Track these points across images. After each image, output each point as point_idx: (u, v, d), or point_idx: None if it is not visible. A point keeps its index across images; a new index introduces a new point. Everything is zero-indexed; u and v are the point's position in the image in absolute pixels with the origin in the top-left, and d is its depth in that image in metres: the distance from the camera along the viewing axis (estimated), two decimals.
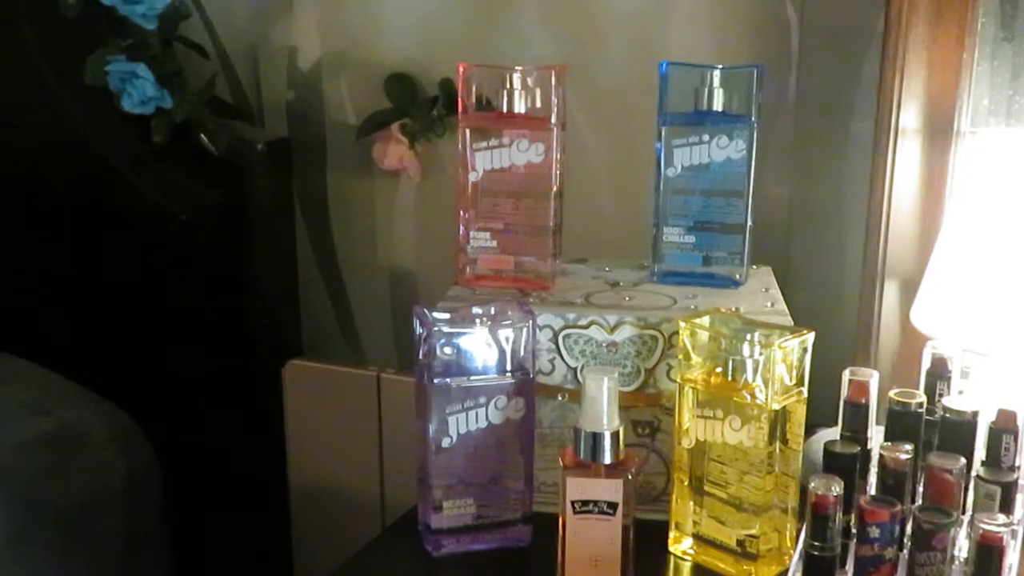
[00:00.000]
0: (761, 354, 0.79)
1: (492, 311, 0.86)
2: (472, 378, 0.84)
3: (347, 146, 1.37)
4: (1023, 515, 0.75)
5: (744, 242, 0.96)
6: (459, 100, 0.94)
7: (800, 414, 0.81)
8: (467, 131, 0.94)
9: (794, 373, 0.80)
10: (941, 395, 0.82)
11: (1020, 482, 0.76)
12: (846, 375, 0.80)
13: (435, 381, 0.83)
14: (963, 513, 0.75)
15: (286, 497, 1.44)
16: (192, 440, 1.40)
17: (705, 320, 0.84)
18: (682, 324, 0.83)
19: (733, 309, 0.88)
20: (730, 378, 0.81)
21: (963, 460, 0.71)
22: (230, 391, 1.38)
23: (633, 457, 0.80)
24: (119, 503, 1.26)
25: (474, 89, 0.94)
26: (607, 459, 0.78)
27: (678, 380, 0.84)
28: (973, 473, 0.75)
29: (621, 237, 1.12)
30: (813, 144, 1.16)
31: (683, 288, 0.96)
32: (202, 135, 1.33)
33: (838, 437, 0.80)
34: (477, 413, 0.84)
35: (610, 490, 0.78)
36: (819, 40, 1.13)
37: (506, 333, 0.84)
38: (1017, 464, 0.76)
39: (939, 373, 0.83)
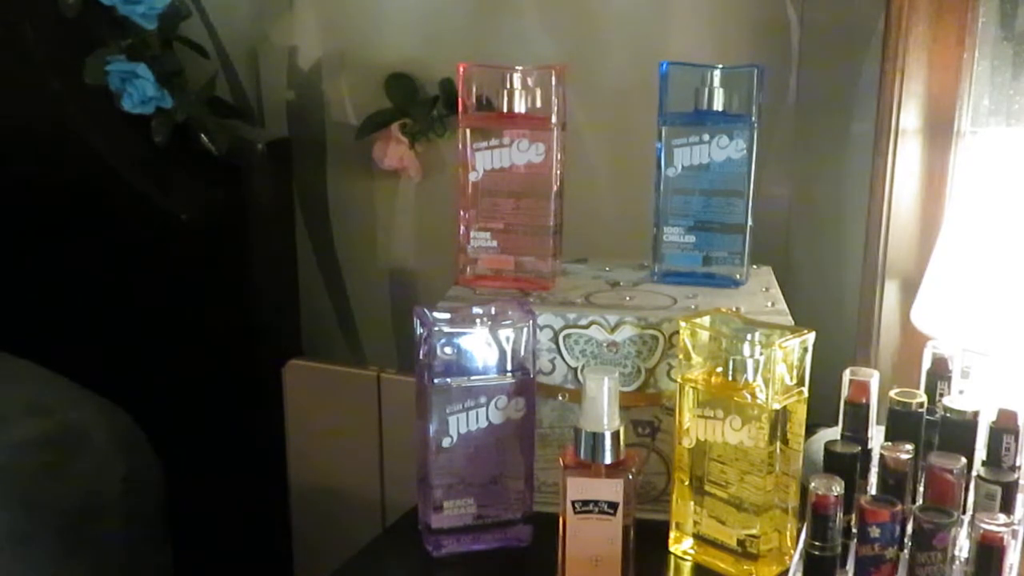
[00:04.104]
0: (761, 354, 0.79)
1: (492, 311, 0.86)
2: (472, 378, 0.84)
3: (347, 146, 1.37)
4: (1023, 515, 0.75)
5: (744, 242, 0.96)
6: (459, 100, 0.94)
7: (800, 414, 0.81)
8: (467, 131, 0.94)
9: (794, 373, 0.80)
10: (942, 395, 0.82)
11: (1021, 482, 0.76)
12: (846, 375, 0.81)
13: (435, 381, 0.83)
14: (964, 513, 0.75)
15: (286, 497, 1.44)
16: (192, 440, 1.40)
17: (705, 320, 0.84)
18: (683, 324, 0.83)
19: (733, 309, 0.88)
20: (731, 378, 0.81)
21: (964, 460, 0.71)
22: (230, 391, 1.38)
23: (633, 457, 0.80)
24: (119, 503, 1.26)
25: (474, 89, 0.94)
26: (607, 459, 0.78)
27: (678, 380, 0.84)
28: (974, 473, 0.75)
29: (621, 237, 1.12)
30: (813, 144, 1.16)
31: (683, 288, 0.96)
32: (202, 135, 1.33)
33: (838, 437, 0.80)
34: (477, 413, 0.84)
35: (610, 490, 0.77)
36: (819, 40, 1.13)
37: (506, 333, 0.84)
38: (1018, 464, 0.76)
39: (939, 373, 0.84)
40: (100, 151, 1.34)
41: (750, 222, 0.96)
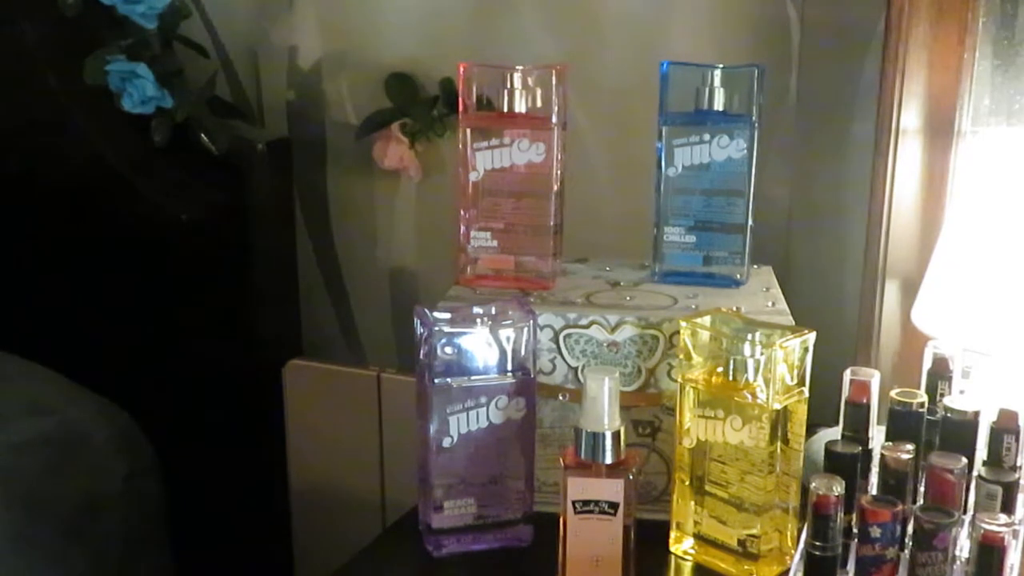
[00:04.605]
0: (762, 354, 0.79)
1: (493, 311, 0.86)
2: (473, 378, 0.84)
3: (347, 146, 1.37)
4: None
5: (745, 242, 0.96)
6: (460, 100, 0.94)
7: (801, 414, 0.81)
8: (468, 131, 0.94)
9: (795, 373, 0.80)
10: (942, 395, 0.82)
11: (1021, 482, 0.76)
12: (847, 375, 0.81)
13: (436, 381, 0.83)
14: (964, 513, 0.75)
15: (286, 497, 1.43)
16: (192, 440, 1.40)
17: (706, 320, 0.84)
18: (683, 324, 0.83)
19: (734, 309, 0.88)
20: (731, 378, 0.81)
21: (964, 460, 0.71)
22: (230, 391, 1.38)
23: (634, 457, 0.80)
24: (119, 503, 1.26)
25: (475, 89, 0.94)
26: (608, 459, 0.78)
27: (679, 380, 0.84)
28: (974, 473, 0.75)
29: (621, 237, 1.12)
30: (813, 144, 1.16)
31: (684, 288, 0.96)
32: (202, 135, 1.33)
33: (839, 437, 0.80)
34: (478, 413, 0.84)
35: (611, 490, 0.77)
36: (819, 40, 1.13)
37: (507, 333, 0.84)
38: (1018, 464, 0.76)
39: (940, 373, 0.84)
40: (100, 151, 1.34)
41: (750, 222, 0.96)
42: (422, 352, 0.84)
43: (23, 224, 1.42)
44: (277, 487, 1.43)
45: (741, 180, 0.94)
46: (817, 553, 0.71)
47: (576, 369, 0.90)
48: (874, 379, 0.80)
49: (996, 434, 0.76)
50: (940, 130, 1.02)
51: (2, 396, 1.26)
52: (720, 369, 0.81)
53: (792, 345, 0.79)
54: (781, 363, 0.78)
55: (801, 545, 0.74)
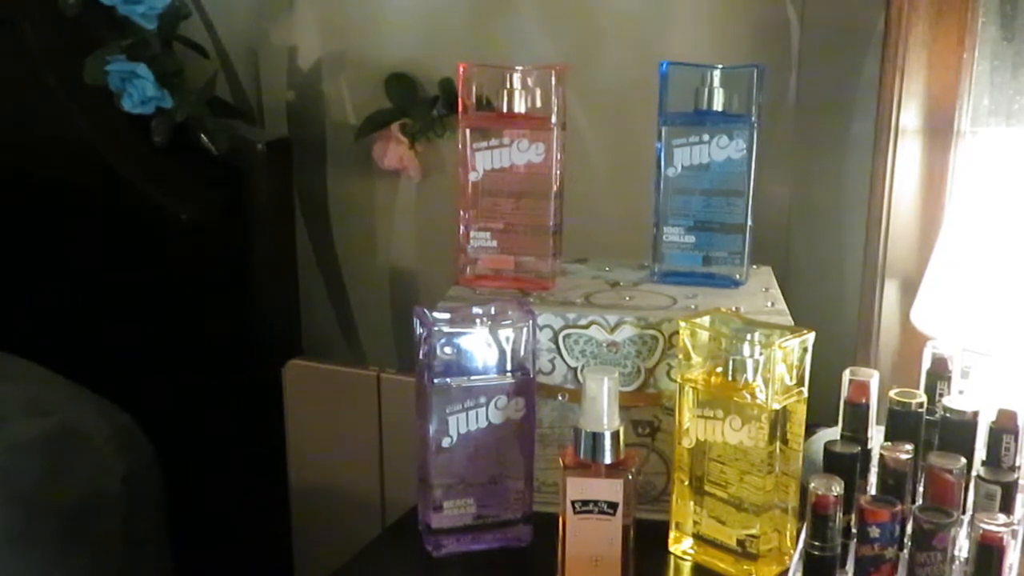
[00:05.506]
0: (761, 354, 0.79)
1: (492, 311, 0.86)
2: (472, 378, 0.84)
3: (347, 146, 1.37)
4: (1023, 515, 0.75)
5: (744, 242, 0.96)
6: (459, 100, 0.94)
7: (800, 414, 0.81)
8: (467, 131, 0.94)
9: (794, 373, 0.80)
10: (941, 395, 0.82)
11: (1020, 482, 0.76)
12: (846, 375, 0.80)
13: (435, 381, 0.83)
14: (963, 513, 0.75)
15: (286, 497, 1.44)
16: (192, 440, 1.40)
17: (705, 320, 0.84)
18: (682, 324, 0.83)
19: (733, 309, 0.88)
20: (730, 378, 0.80)
21: (963, 460, 0.71)
22: (230, 391, 1.38)
23: (633, 457, 0.80)
24: (119, 503, 1.26)
25: (474, 89, 0.94)
26: (607, 459, 0.78)
27: (678, 380, 0.84)
28: (973, 473, 0.75)
29: (621, 237, 1.12)
30: (813, 144, 1.16)
31: (683, 288, 0.96)
32: (202, 135, 1.33)
33: (838, 437, 0.80)
34: (477, 413, 0.84)
35: (610, 490, 0.77)
36: (819, 40, 1.13)
37: (506, 333, 0.84)
38: (1017, 464, 0.76)
39: (939, 373, 0.83)
40: (100, 151, 1.34)
41: (750, 222, 0.96)
42: (422, 352, 0.84)
43: (23, 224, 1.42)
44: (277, 487, 1.43)
45: (741, 180, 0.94)
46: (816, 553, 0.71)
47: (575, 369, 0.90)
48: (873, 379, 0.80)
49: (995, 434, 0.76)
50: (939, 130, 1.02)
51: (2, 396, 1.26)
52: (719, 369, 0.81)
53: (791, 345, 0.79)
54: (780, 363, 0.78)
55: (800, 545, 0.74)
